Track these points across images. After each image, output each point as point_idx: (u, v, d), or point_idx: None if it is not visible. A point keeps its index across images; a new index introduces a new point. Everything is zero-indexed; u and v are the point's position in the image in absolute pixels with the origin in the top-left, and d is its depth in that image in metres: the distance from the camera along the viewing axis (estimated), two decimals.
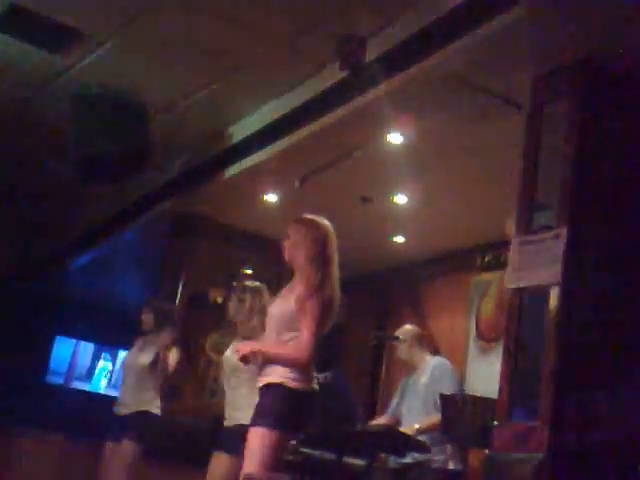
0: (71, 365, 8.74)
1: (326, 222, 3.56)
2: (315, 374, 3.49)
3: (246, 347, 3.51)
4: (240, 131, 5.60)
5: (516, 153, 3.83)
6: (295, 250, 3.50)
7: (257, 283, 4.66)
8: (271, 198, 6.15)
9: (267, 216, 6.37)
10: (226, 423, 4.50)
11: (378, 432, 4.84)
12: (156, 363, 5.36)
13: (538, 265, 3.53)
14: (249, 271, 7.13)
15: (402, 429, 5.13)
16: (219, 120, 5.63)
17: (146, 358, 5.38)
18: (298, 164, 5.47)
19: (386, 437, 4.63)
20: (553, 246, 3.47)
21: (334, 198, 5.70)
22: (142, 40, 4.75)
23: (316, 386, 3.43)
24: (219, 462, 4.36)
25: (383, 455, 4.74)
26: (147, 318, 5.52)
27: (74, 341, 8.69)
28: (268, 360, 3.38)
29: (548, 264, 3.47)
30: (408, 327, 5.74)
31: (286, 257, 3.56)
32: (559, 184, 3.57)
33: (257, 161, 5.42)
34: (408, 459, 4.85)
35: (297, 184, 5.65)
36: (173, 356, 5.42)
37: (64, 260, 8.14)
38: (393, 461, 4.85)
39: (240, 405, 4.33)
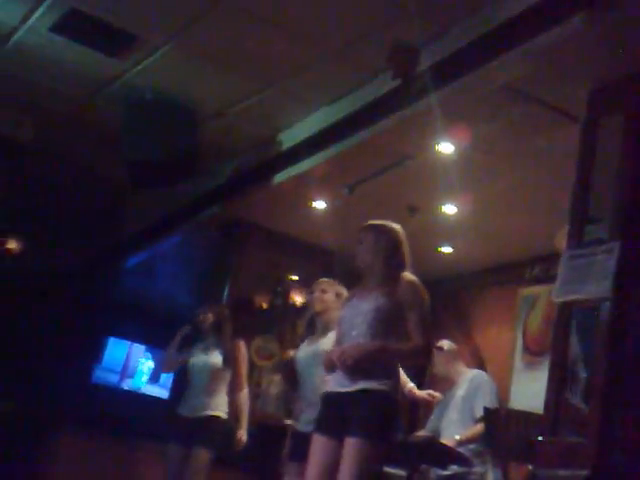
0: (125, 365, 8.84)
1: (398, 226, 3.58)
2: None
3: (353, 353, 3.27)
4: (290, 138, 5.62)
5: (569, 165, 3.78)
6: (368, 255, 3.48)
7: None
8: (319, 205, 6.17)
9: (315, 223, 6.39)
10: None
11: (419, 443, 4.83)
12: (226, 364, 5.34)
13: (588, 279, 3.47)
14: (295, 277, 7.16)
15: (443, 440, 5.12)
16: (269, 126, 5.66)
17: (217, 359, 5.34)
18: (347, 172, 5.48)
19: (427, 448, 4.62)
20: (604, 260, 3.41)
21: (382, 207, 5.69)
22: (196, 46, 4.80)
23: (404, 391, 3.43)
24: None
25: (424, 466, 4.72)
26: (206, 319, 5.49)
27: (128, 342, 8.78)
28: (382, 358, 3.25)
29: (599, 278, 3.41)
30: (445, 342, 5.74)
31: (359, 262, 3.52)
32: (612, 198, 3.51)
33: (306, 168, 5.43)
34: (449, 471, 4.83)
35: (346, 192, 5.66)
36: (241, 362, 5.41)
37: (115, 262, 8.25)
38: (434, 472, 4.83)
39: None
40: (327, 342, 4.22)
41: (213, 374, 5.33)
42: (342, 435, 3.24)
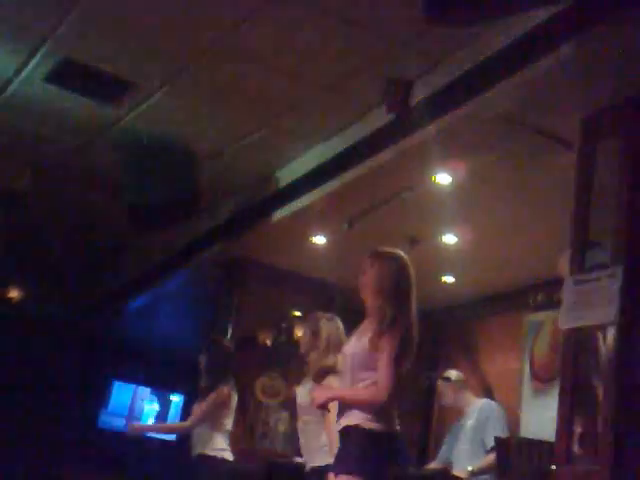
0: (131, 409, 8.80)
1: (403, 254, 3.46)
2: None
3: (322, 394, 3.43)
4: (287, 175, 5.65)
5: (567, 191, 3.79)
6: (369, 285, 3.36)
7: (330, 314, 4.51)
8: (319, 240, 6.17)
9: (316, 258, 6.40)
10: (306, 468, 4.38)
11: (432, 475, 4.79)
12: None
13: (593, 304, 3.47)
14: (298, 313, 7.14)
15: (455, 472, 5.09)
16: (267, 164, 5.69)
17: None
18: (346, 206, 5.49)
19: None
20: (609, 285, 3.40)
21: (382, 239, 5.60)
22: (191, 88, 4.84)
23: (397, 427, 3.29)
24: None
25: None
26: (201, 359, 5.48)
27: (133, 385, 8.75)
28: (346, 405, 3.27)
29: (604, 303, 3.41)
30: (452, 372, 5.72)
31: (361, 294, 3.41)
32: (613, 223, 3.52)
33: (305, 204, 5.44)
34: None
35: (345, 226, 5.67)
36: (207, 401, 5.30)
37: (118, 305, 8.24)
38: None
39: (313, 447, 4.27)
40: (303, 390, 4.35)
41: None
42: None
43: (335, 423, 3.41)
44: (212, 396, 5.22)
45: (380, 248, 3.51)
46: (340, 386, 3.47)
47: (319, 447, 4.19)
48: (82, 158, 5.93)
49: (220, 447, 5.20)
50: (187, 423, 5.35)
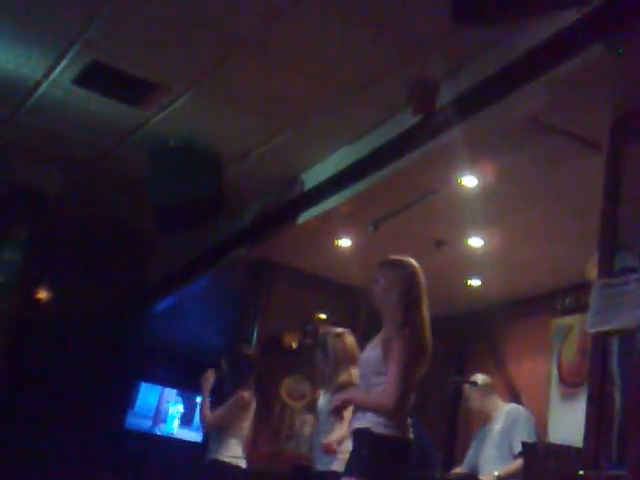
0: (157, 410, 8.84)
1: (413, 261, 3.48)
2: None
3: (337, 398, 3.51)
4: (313, 177, 5.65)
5: (596, 193, 3.75)
6: (382, 293, 3.42)
7: (340, 329, 4.64)
8: (345, 243, 6.16)
9: (341, 261, 6.38)
10: (320, 468, 4.49)
11: None
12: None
13: (621, 308, 3.43)
14: (324, 316, 7.13)
15: (482, 477, 5.04)
16: (292, 167, 5.70)
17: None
18: (371, 209, 5.47)
19: None
20: (637, 289, 3.36)
21: (408, 242, 5.66)
22: (217, 91, 4.86)
23: (410, 434, 3.31)
24: None
25: None
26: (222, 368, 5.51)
27: (159, 387, 8.80)
28: (359, 408, 3.33)
29: (632, 307, 3.37)
30: (479, 376, 5.68)
31: (376, 301, 3.47)
32: None
33: (330, 206, 5.44)
34: None
35: (371, 229, 5.65)
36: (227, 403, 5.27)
37: (144, 307, 8.29)
38: None
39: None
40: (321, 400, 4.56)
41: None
42: None
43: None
44: (231, 400, 5.22)
45: (390, 256, 3.55)
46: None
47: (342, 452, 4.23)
48: (110, 160, 5.98)
49: (235, 454, 5.17)
50: (209, 417, 5.33)
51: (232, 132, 5.34)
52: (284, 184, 5.93)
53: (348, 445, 4.01)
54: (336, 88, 4.61)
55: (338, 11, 3.93)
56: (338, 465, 4.19)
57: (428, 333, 3.36)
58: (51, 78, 4.94)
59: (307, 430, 6.96)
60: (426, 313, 3.38)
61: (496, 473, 5.10)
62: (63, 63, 4.74)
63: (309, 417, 6.98)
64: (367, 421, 3.24)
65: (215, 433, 5.26)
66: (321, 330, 4.67)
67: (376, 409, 3.24)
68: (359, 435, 3.27)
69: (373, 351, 3.37)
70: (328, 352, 4.54)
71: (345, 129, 5.04)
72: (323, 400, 4.58)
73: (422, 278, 3.44)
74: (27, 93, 5.18)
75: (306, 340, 7.16)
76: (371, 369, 3.34)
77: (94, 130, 5.59)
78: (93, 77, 4.86)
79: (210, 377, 5.38)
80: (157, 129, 5.33)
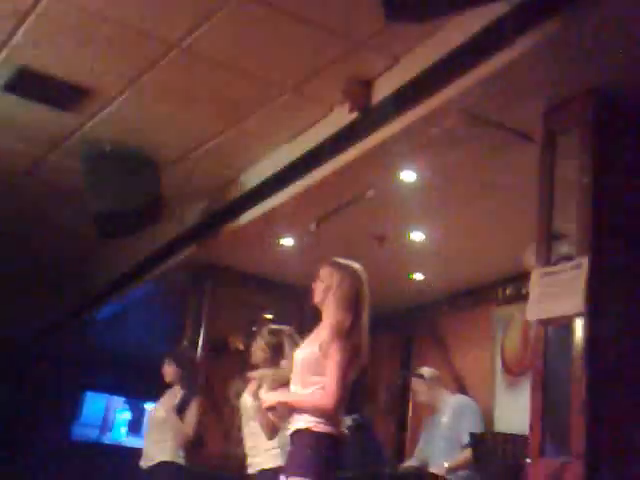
0: (104, 419, 8.73)
1: (359, 267, 3.51)
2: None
3: (271, 398, 3.49)
4: (253, 177, 5.62)
5: (532, 184, 3.80)
6: (326, 293, 3.44)
7: (283, 326, 4.64)
8: (287, 242, 6.15)
9: (284, 260, 6.37)
10: (249, 470, 4.46)
11: (408, 474, 4.79)
12: (174, 413, 5.36)
13: (560, 296, 3.48)
14: (270, 316, 7.11)
15: (432, 469, 5.09)
16: (232, 168, 5.66)
17: (162, 411, 5.41)
18: (312, 207, 5.47)
19: (416, 478, 4.57)
20: (574, 276, 3.42)
21: (350, 239, 5.69)
22: (151, 94, 4.79)
23: (345, 430, 3.35)
24: None
25: None
26: (168, 370, 5.52)
27: (106, 395, 8.69)
28: (294, 409, 3.34)
29: (570, 294, 3.42)
30: (426, 369, 5.73)
31: (315, 299, 3.49)
32: (576, 213, 3.53)
33: (271, 206, 5.43)
34: None
35: (312, 227, 5.65)
36: (192, 410, 5.38)
37: (87, 315, 8.16)
38: None
39: (260, 450, 4.35)
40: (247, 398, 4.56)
41: (159, 425, 5.42)
42: None
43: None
44: (195, 408, 5.37)
45: (339, 259, 3.56)
46: (291, 389, 3.49)
47: (270, 448, 4.28)
48: (43, 167, 5.86)
49: (182, 455, 5.32)
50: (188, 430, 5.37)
51: (168, 135, 5.29)
52: (224, 185, 5.89)
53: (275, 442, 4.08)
54: (271, 88, 4.59)
55: (271, 10, 3.92)
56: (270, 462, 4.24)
57: (366, 338, 3.40)
58: None
59: None
60: (366, 319, 3.41)
61: (445, 464, 5.15)
62: None
63: None
64: (304, 421, 3.26)
65: (159, 437, 5.31)
66: (275, 330, 4.64)
67: (315, 411, 3.25)
68: (300, 435, 3.27)
69: (311, 350, 3.36)
70: (284, 351, 4.48)
71: (282, 128, 5.03)
72: (248, 397, 4.52)
73: (366, 285, 3.47)
74: None
75: (256, 340, 7.12)
76: (308, 368, 3.34)
77: (26, 138, 5.46)
78: (23, 84, 4.76)
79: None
80: (91, 135, 5.24)
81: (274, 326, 4.71)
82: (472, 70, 3.65)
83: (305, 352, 3.41)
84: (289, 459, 3.34)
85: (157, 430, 5.40)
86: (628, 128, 3.62)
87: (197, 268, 7.05)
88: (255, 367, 4.60)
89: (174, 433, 5.30)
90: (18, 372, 7.74)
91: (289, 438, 3.37)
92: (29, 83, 4.73)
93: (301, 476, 3.20)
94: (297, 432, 3.30)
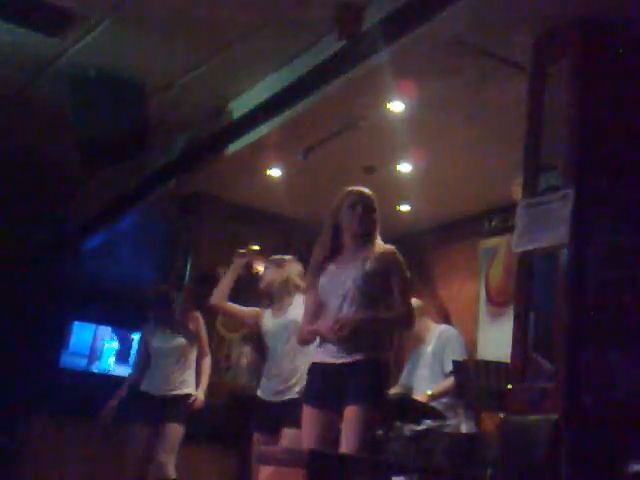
0: (92, 348, 8.80)
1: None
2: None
3: (347, 321, 3.29)
4: (241, 106, 5.55)
5: (521, 115, 3.79)
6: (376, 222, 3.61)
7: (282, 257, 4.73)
8: (275, 173, 6.13)
9: (272, 191, 6.36)
10: (287, 396, 4.41)
11: (392, 401, 4.86)
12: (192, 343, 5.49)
13: (545, 227, 3.50)
14: (257, 247, 7.12)
15: (416, 396, 5.18)
16: (219, 96, 5.58)
17: (181, 340, 5.51)
18: (300, 137, 5.44)
19: (401, 405, 4.65)
20: (560, 207, 3.44)
21: (338, 169, 5.68)
22: (138, 19, 4.70)
23: None
24: (294, 437, 4.08)
25: (399, 423, 4.77)
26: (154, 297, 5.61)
27: (93, 325, 8.73)
28: (368, 328, 3.31)
29: (556, 225, 3.44)
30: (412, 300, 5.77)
31: (356, 227, 3.57)
32: (563, 145, 3.53)
33: (259, 136, 5.38)
34: (423, 426, 4.88)
35: (300, 157, 5.63)
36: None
37: (74, 245, 8.15)
38: (408, 429, 4.89)
39: (295, 376, 4.37)
40: (293, 313, 4.31)
41: (180, 354, 5.49)
42: (340, 406, 3.28)
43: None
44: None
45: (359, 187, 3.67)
46: (331, 312, 3.40)
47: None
48: (28, 93, 5.77)
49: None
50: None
51: (155, 61, 5.19)
52: (211, 114, 5.82)
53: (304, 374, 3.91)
54: (260, 13, 4.51)
55: None
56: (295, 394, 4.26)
57: None
58: None
59: (244, 361, 7.03)
60: None
61: (429, 392, 5.24)
62: None
63: (245, 348, 7.03)
64: (372, 351, 3.29)
65: (176, 367, 5.46)
66: (283, 261, 4.68)
67: (398, 326, 3.44)
68: (365, 366, 3.27)
69: (367, 269, 3.38)
70: (290, 280, 4.56)
71: (271, 56, 4.94)
72: (275, 323, 4.54)
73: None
74: None
75: (240, 271, 7.15)
76: (373, 288, 3.36)
77: (10, 62, 5.36)
78: (6, 7, 4.65)
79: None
80: (77, 60, 5.14)
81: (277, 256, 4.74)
82: None
83: (363, 271, 3.38)
84: (358, 390, 3.26)
85: (177, 360, 5.54)
86: (616, 58, 3.59)
87: (184, 199, 7.04)
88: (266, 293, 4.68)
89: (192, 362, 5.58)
90: (6, 298, 7.76)
91: (347, 368, 3.30)
92: (13, 6, 4.63)
93: (363, 404, 3.21)
94: (362, 363, 3.28)
